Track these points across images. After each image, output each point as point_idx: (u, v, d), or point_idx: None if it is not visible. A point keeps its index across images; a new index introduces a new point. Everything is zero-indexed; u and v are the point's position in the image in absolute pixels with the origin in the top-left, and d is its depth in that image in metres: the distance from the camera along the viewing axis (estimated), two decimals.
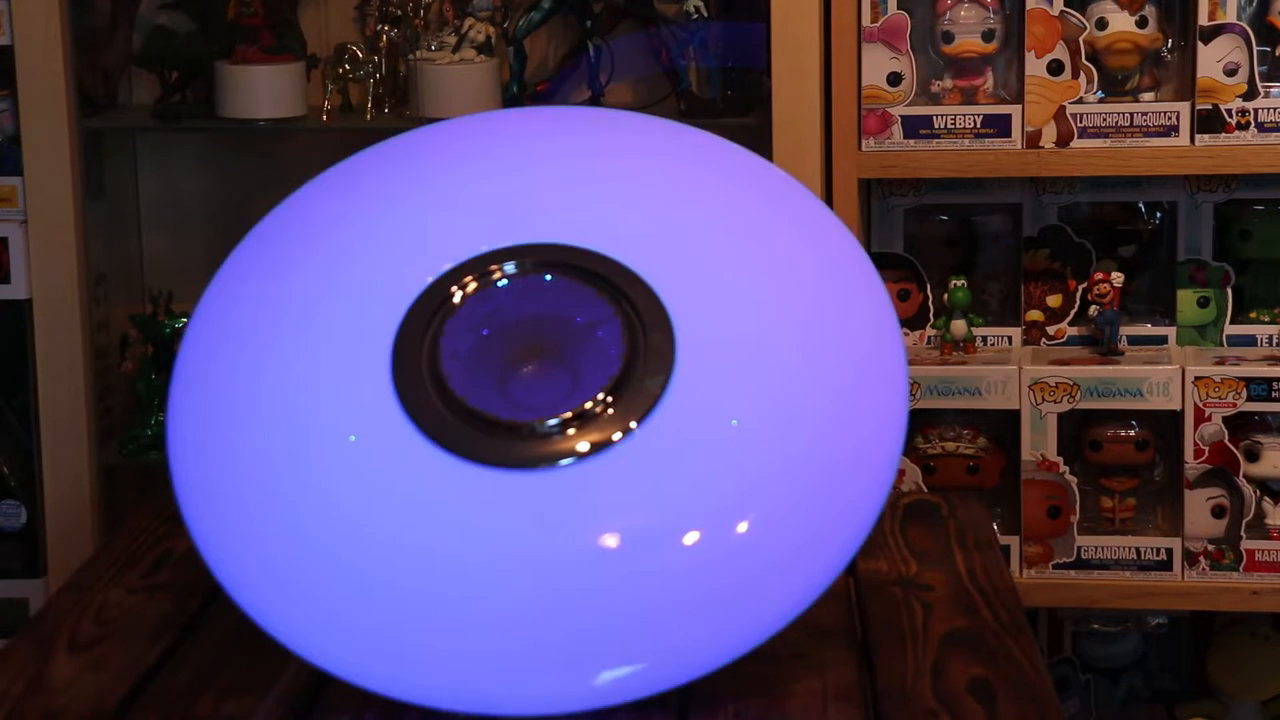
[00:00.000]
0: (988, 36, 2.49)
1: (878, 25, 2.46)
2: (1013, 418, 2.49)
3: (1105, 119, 2.44)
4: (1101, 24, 2.46)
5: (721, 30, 2.60)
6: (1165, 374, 2.45)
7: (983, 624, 1.69)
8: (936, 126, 2.47)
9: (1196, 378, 2.44)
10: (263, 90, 2.62)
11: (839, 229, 1.69)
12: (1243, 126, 2.42)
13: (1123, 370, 2.47)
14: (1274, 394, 2.44)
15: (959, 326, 2.56)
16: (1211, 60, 2.42)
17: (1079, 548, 2.49)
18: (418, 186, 1.70)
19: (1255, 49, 2.42)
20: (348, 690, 1.54)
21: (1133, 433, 2.51)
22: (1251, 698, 2.73)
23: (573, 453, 1.53)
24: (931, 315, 2.61)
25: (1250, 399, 2.44)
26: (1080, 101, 2.44)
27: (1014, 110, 2.46)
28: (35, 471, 2.62)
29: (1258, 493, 2.48)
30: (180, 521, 1.58)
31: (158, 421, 2.66)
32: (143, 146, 2.82)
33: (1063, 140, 2.45)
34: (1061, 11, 2.44)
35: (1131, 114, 2.44)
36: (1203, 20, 2.41)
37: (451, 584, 1.50)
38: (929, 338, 2.61)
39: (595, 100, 2.63)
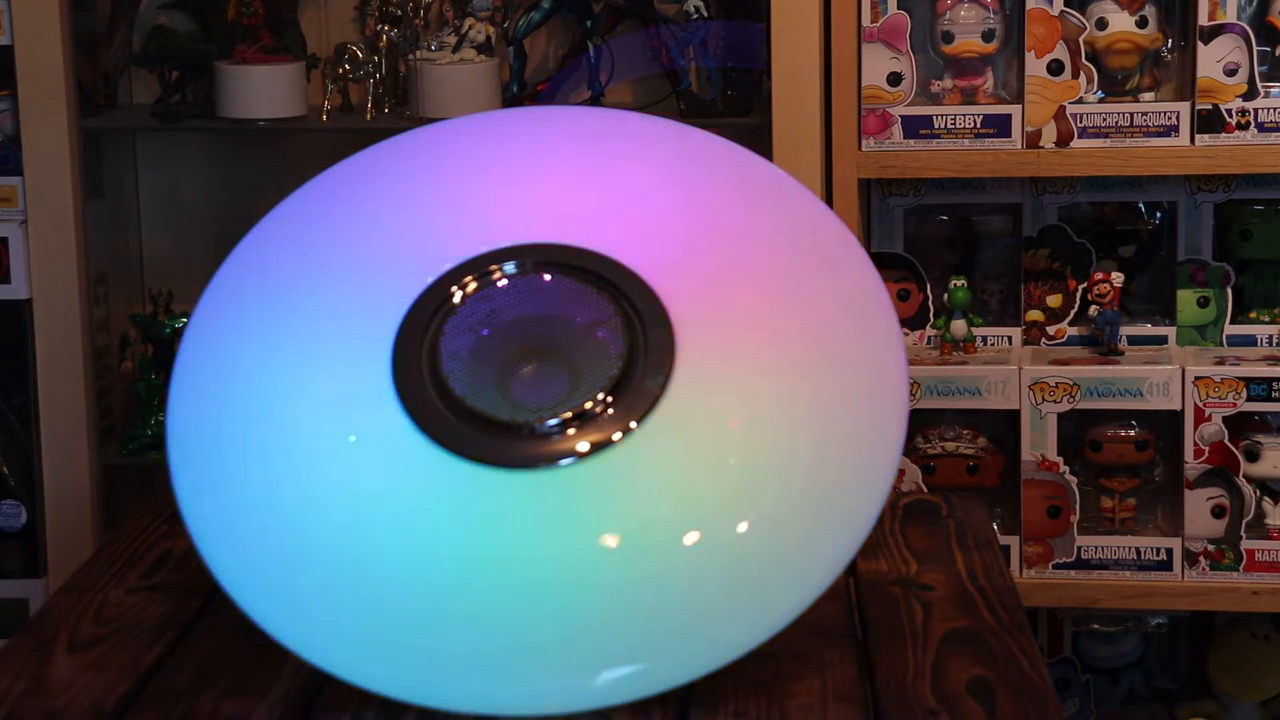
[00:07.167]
0: (988, 36, 2.49)
1: (878, 25, 2.46)
2: (1013, 418, 2.49)
3: (1105, 119, 2.44)
4: (1101, 24, 2.46)
5: (721, 30, 2.59)
6: (1165, 374, 2.45)
7: (983, 624, 1.69)
8: (936, 126, 2.47)
9: (1196, 378, 2.44)
10: (263, 90, 2.62)
11: (839, 229, 1.69)
12: (1243, 126, 2.42)
13: (1123, 370, 2.47)
14: (1274, 394, 2.44)
15: (959, 326, 2.56)
16: (1211, 60, 2.42)
17: (1079, 548, 2.49)
18: (417, 186, 1.70)
19: (1255, 49, 2.42)
20: (348, 690, 1.54)
21: (1133, 433, 2.51)
22: (1251, 698, 2.73)
23: (573, 453, 1.53)
24: (931, 315, 2.61)
25: (1250, 399, 2.44)
26: (1080, 101, 2.44)
27: (1014, 110, 2.46)
28: (35, 471, 2.62)
29: (1258, 493, 2.48)
30: (180, 521, 1.58)
31: (158, 421, 2.65)
32: (143, 146, 2.82)
33: (1063, 140, 2.45)
34: (1061, 11, 2.44)
35: (1131, 114, 2.44)
36: (1203, 20, 2.41)
37: (452, 584, 1.50)
38: (929, 338, 2.61)
39: (595, 100, 2.63)
